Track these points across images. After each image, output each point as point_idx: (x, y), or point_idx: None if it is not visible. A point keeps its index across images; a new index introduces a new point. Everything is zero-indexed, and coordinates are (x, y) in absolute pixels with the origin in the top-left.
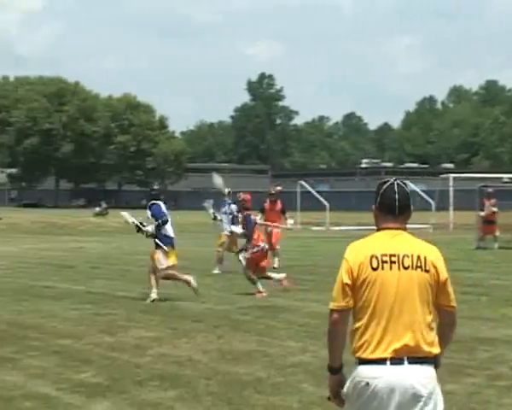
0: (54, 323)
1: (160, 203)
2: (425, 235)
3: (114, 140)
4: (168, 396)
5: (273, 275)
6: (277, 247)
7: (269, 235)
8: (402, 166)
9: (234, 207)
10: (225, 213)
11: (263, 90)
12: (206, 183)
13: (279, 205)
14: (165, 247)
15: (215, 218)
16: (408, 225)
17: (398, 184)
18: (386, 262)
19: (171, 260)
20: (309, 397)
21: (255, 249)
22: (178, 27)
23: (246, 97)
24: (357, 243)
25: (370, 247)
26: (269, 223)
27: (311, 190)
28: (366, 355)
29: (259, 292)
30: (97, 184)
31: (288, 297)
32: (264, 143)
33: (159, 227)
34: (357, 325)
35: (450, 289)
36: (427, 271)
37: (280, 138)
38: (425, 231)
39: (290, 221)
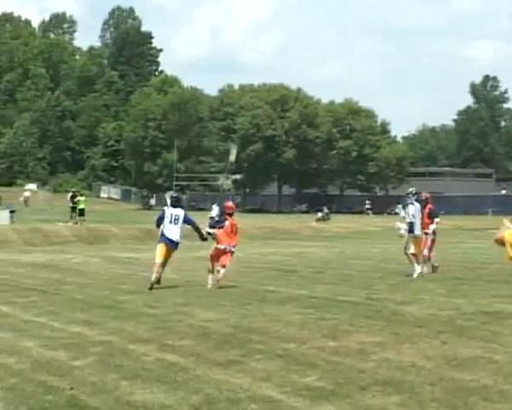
0: (277, 327)
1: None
2: None
3: (336, 145)
4: (392, 402)
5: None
6: (425, 253)
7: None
8: None
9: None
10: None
11: (487, 93)
12: (428, 187)
13: (426, 209)
14: None
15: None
16: None
17: None
18: None
19: None
20: None
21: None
22: (400, 30)
23: (469, 100)
24: None
25: None
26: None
27: None
28: None
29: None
30: (319, 189)
31: None
32: (487, 147)
33: None
34: None
35: None
36: None
37: (505, 141)
38: None
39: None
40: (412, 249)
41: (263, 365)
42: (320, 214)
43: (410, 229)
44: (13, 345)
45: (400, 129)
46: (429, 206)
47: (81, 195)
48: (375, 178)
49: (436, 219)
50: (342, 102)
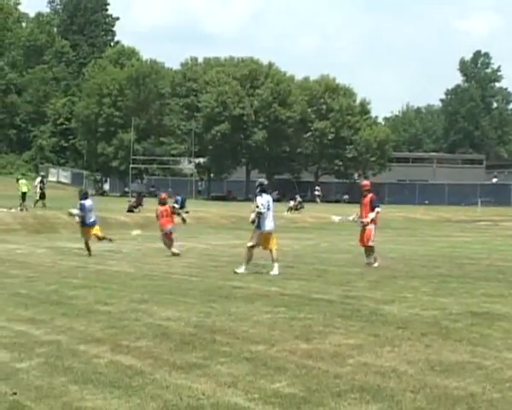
0: (245, 327)
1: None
2: None
3: (311, 127)
4: None
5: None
6: (370, 244)
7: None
8: None
9: None
10: None
11: (477, 70)
12: (412, 174)
13: (367, 199)
14: None
15: None
16: None
17: None
18: None
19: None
20: None
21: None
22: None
23: (458, 78)
24: None
25: None
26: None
27: None
28: None
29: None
30: (292, 175)
31: (506, 304)
32: (478, 130)
33: None
34: None
35: None
36: None
37: (496, 124)
38: None
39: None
40: (251, 243)
41: (228, 368)
42: (292, 203)
43: (258, 224)
44: None
45: (382, 109)
46: (370, 195)
47: (19, 179)
48: (354, 163)
49: (377, 209)
50: (318, 79)
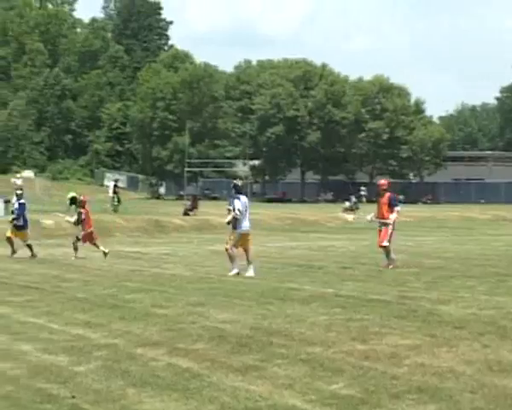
0: (301, 328)
1: None
2: None
3: (365, 127)
4: None
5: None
6: (384, 244)
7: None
8: None
9: None
10: None
11: None
12: (468, 173)
13: (385, 198)
14: None
15: None
16: None
17: None
18: None
19: None
20: None
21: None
22: None
23: None
24: None
25: None
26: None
27: None
28: None
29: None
30: (346, 176)
31: None
32: None
33: None
34: None
35: None
36: None
37: None
38: None
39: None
40: (229, 245)
41: (285, 370)
42: (348, 204)
43: (235, 225)
44: (7, 349)
45: (436, 108)
46: (388, 194)
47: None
48: (409, 163)
49: (397, 208)
50: (372, 79)
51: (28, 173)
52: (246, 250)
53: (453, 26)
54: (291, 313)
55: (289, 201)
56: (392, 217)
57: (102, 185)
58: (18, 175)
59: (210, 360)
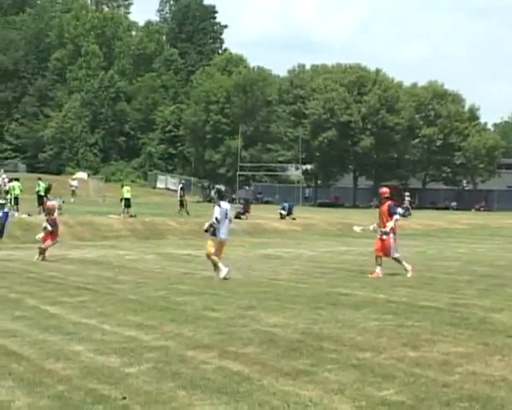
0: (352, 334)
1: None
2: None
3: (419, 133)
4: None
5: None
6: (396, 256)
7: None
8: None
9: None
10: None
11: None
12: None
13: (385, 206)
14: None
15: None
16: None
17: None
18: None
19: None
20: None
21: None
22: (490, 3)
23: None
24: None
25: None
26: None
27: None
28: None
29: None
30: (399, 182)
31: None
32: None
33: None
34: None
35: None
36: None
37: None
38: None
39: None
40: (212, 250)
41: (335, 375)
42: (400, 210)
43: (214, 232)
44: (60, 349)
45: (491, 115)
46: (388, 203)
47: (124, 185)
48: (462, 169)
49: (395, 217)
50: (426, 85)
51: (82, 175)
52: (218, 258)
53: (509, 32)
54: (342, 318)
55: (341, 206)
56: (389, 225)
57: (155, 188)
58: (73, 177)
59: (260, 363)
